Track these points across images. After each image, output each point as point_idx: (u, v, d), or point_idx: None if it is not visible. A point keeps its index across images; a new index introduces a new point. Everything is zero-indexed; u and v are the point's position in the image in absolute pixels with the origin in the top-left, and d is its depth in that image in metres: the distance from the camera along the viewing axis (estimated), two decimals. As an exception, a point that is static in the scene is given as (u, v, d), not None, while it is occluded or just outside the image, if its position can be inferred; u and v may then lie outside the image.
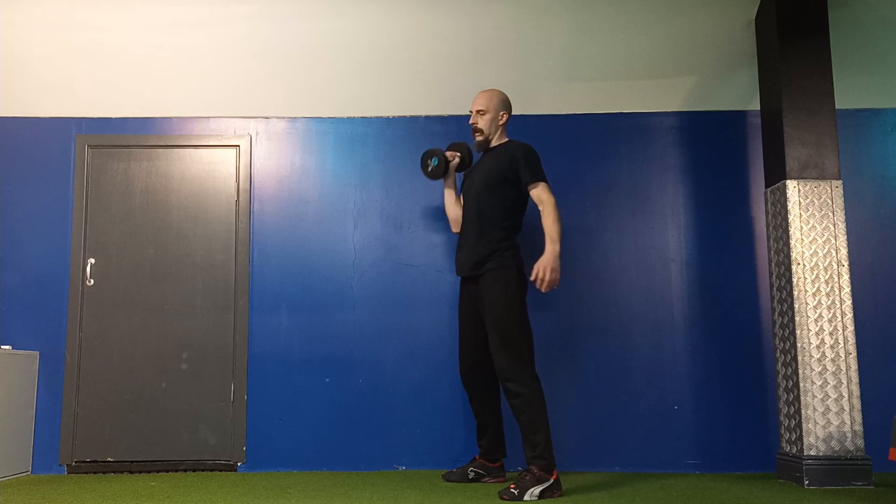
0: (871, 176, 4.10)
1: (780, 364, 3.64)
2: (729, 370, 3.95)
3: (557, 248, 3.23)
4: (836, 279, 3.49)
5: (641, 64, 4.02)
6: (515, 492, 3.02)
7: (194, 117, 4.18)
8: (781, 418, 3.61)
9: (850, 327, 3.46)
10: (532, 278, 3.23)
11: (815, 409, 3.41)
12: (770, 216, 3.75)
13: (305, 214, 4.11)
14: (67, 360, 3.95)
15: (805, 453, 3.38)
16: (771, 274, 3.73)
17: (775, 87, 3.68)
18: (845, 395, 3.41)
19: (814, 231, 3.54)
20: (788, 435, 3.54)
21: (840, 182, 3.57)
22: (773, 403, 3.89)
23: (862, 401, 3.45)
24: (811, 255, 3.52)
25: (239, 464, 3.90)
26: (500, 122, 3.56)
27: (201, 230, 4.08)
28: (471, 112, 3.59)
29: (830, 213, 3.55)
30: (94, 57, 3.95)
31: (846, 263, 3.50)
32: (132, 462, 3.89)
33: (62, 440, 3.90)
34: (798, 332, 3.47)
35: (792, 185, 3.57)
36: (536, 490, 3.04)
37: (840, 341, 3.45)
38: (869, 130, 4.14)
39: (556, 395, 3.82)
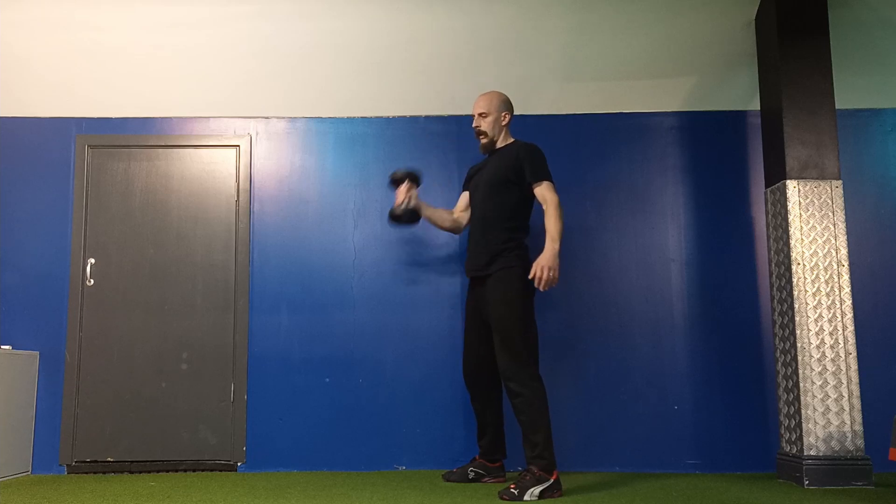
0: (871, 176, 4.10)
1: (780, 364, 3.64)
2: (729, 370, 3.95)
3: (557, 246, 3.23)
4: (836, 279, 3.49)
5: (641, 64, 4.02)
6: (515, 492, 3.02)
7: (194, 117, 4.18)
8: (781, 418, 3.61)
9: (850, 327, 3.46)
10: (530, 276, 3.24)
11: (815, 409, 3.41)
12: (770, 216, 3.75)
13: (305, 214, 4.11)
14: (67, 360, 3.95)
15: (805, 453, 3.38)
16: (771, 274, 3.73)
17: (775, 87, 3.68)
18: (845, 395, 3.41)
19: (814, 231, 3.54)
20: (788, 435, 3.54)
21: (840, 182, 3.57)
22: (773, 403, 3.89)
23: (862, 401, 3.45)
24: (811, 255, 3.52)
25: (239, 464, 3.90)
26: (503, 123, 3.56)
27: (201, 230, 4.08)
28: (473, 116, 3.59)
29: (830, 213, 3.55)
30: (94, 57, 3.95)
31: (846, 263, 3.50)
32: (132, 462, 3.89)
33: (62, 440, 3.90)
34: (798, 332, 3.47)
35: (792, 185, 3.57)
36: (536, 490, 3.04)
37: (840, 341, 3.45)
38: (869, 130, 4.14)
39: (556, 395, 3.81)
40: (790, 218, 3.55)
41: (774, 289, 3.68)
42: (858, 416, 3.40)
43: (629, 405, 3.94)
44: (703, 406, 3.93)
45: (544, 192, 3.34)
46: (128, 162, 4.13)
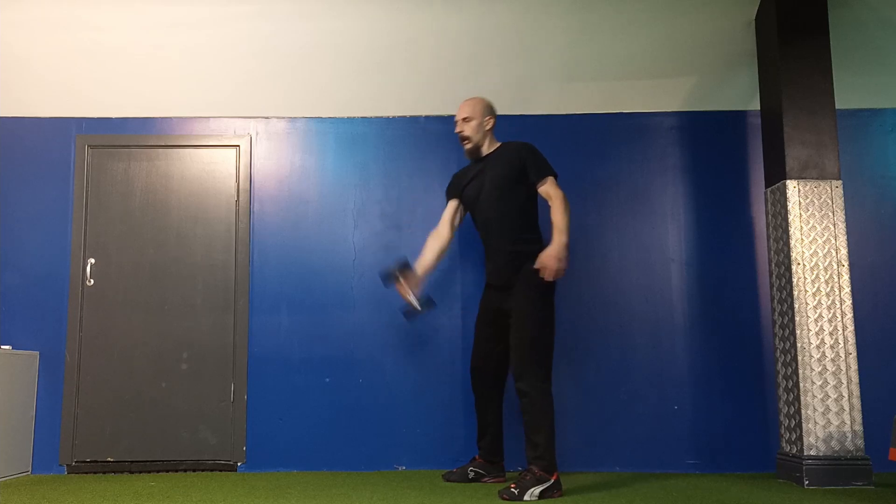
0: (871, 176, 4.10)
1: (780, 364, 3.64)
2: (729, 370, 3.95)
3: (564, 238, 3.24)
4: (836, 279, 3.49)
5: (641, 64, 4.02)
6: (516, 491, 3.02)
7: (194, 117, 4.18)
8: (781, 418, 3.61)
9: (850, 327, 3.46)
10: (536, 266, 3.24)
11: (815, 409, 3.41)
12: (770, 216, 3.75)
13: (305, 214, 4.11)
14: (67, 360, 3.95)
15: (805, 453, 3.38)
16: (771, 274, 3.73)
17: (775, 87, 3.68)
18: (845, 395, 3.41)
19: (814, 231, 3.54)
20: (788, 435, 3.54)
21: (840, 182, 3.57)
22: (773, 403, 3.89)
23: (862, 401, 3.45)
24: (811, 255, 3.52)
25: (239, 464, 3.90)
26: (487, 128, 3.55)
27: (201, 230, 4.08)
28: (456, 121, 3.57)
29: (830, 213, 3.55)
30: (94, 57, 3.95)
31: (846, 263, 3.50)
32: (132, 462, 3.89)
33: (62, 440, 3.90)
34: (798, 332, 3.47)
35: (792, 185, 3.57)
36: (537, 490, 3.04)
37: (840, 341, 3.45)
38: (869, 130, 4.14)
39: (556, 395, 3.78)
40: (790, 218, 3.55)
41: (774, 289, 3.68)
42: (858, 416, 3.40)
43: (629, 405, 3.94)
44: (703, 406, 3.93)
45: (549, 189, 3.36)
46: (128, 162, 4.13)
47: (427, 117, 4.18)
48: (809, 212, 3.55)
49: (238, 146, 4.15)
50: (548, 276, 3.21)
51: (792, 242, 3.53)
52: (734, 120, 4.15)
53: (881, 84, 4.07)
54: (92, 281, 4.03)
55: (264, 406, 3.94)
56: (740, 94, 4.11)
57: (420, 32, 3.90)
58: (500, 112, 4.15)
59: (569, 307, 4.00)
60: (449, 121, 4.16)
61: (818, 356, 3.44)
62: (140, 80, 4.03)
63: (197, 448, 3.91)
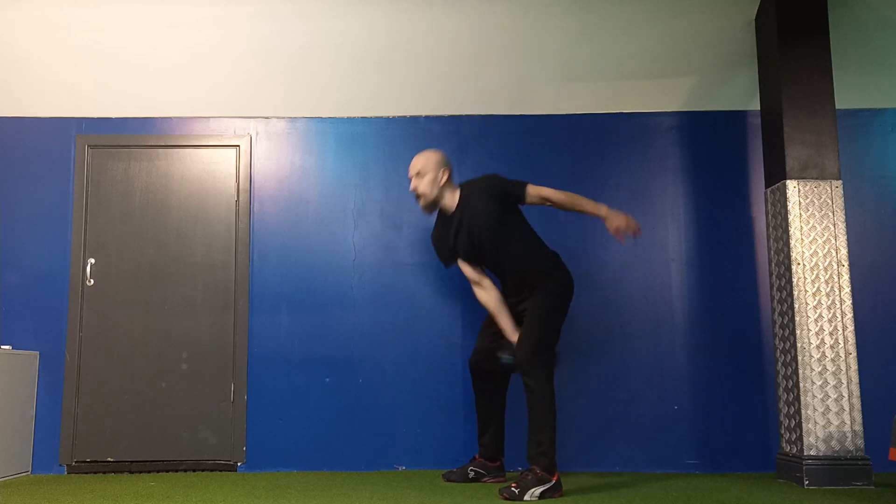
0: (871, 176, 4.10)
1: (780, 364, 3.64)
2: (729, 370, 3.95)
3: (598, 205, 3.33)
4: (836, 279, 3.49)
5: (641, 64, 4.02)
6: (516, 491, 3.02)
7: (194, 117, 4.18)
8: (781, 418, 3.61)
9: (850, 327, 3.46)
10: (614, 230, 3.29)
11: (815, 409, 3.41)
12: (770, 216, 3.75)
13: (305, 214, 4.11)
14: (67, 360, 3.95)
15: (805, 453, 3.38)
16: (771, 274, 3.73)
17: (775, 87, 3.68)
18: (845, 395, 3.41)
19: (814, 231, 3.54)
20: (788, 435, 3.54)
21: (840, 182, 3.57)
22: (773, 403, 3.89)
23: (862, 401, 3.45)
24: (811, 255, 3.52)
25: (239, 464, 3.90)
26: (443, 181, 3.42)
27: (201, 230, 4.08)
28: (409, 177, 3.48)
29: (830, 213, 3.55)
30: (94, 57, 3.95)
31: (846, 263, 3.50)
32: (132, 462, 3.89)
33: (62, 440, 3.90)
34: (798, 332, 3.46)
35: (792, 185, 3.57)
36: (537, 490, 3.04)
37: (840, 341, 3.45)
38: (869, 130, 4.14)
39: (556, 395, 3.80)
40: (790, 218, 3.55)
41: (774, 289, 3.68)
42: (858, 416, 3.40)
43: (629, 405, 3.94)
44: (703, 406, 3.93)
45: (537, 191, 3.35)
46: (128, 162, 4.13)
47: (427, 117, 4.18)
48: (809, 212, 3.55)
49: (238, 146, 4.15)
50: (631, 231, 3.27)
51: (792, 242, 3.53)
52: (734, 120, 4.15)
53: (881, 84, 4.07)
54: (92, 281, 4.03)
55: (264, 406, 3.94)
56: (740, 94, 4.11)
57: (420, 32, 3.90)
58: (500, 112, 4.17)
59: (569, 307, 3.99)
60: (449, 121, 4.17)
61: (818, 356, 3.44)
62: (140, 80, 4.03)
63: (197, 448, 3.91)
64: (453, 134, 4.15)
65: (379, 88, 4.10)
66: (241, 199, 4.10)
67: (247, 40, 3.92)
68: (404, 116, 4.18)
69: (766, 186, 3.79)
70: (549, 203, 3.38)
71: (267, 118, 4.19)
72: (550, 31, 3.91)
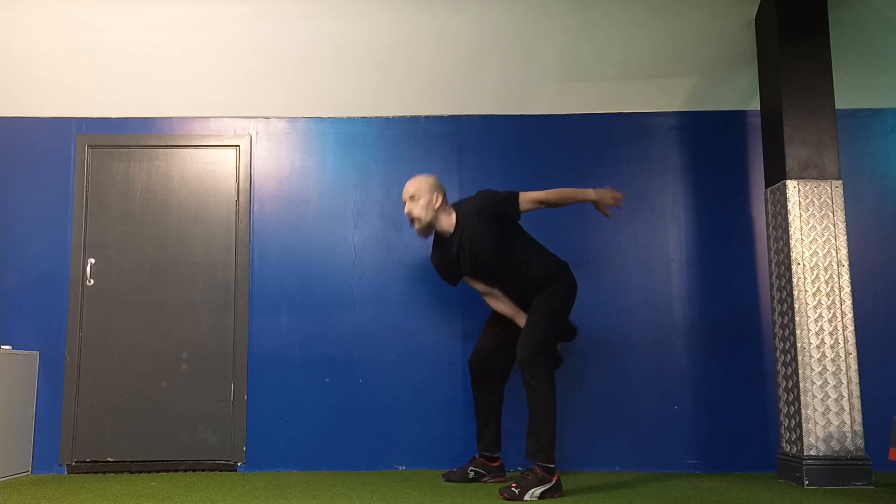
0: (871, 176, 4.10)
1: (780, 364, 3.64)
2: (729, 370, 3.95)
3: (581, 190, 3.42)
4: (836, 279, 3.49)
5: (641, 64, 4.02)
6: (517, 491, 3.02)
7: (194, 117, 4.18)
8: (781, 418, 3.61)
9: (850, 327, 3.46)
10: (599, 204, 3.37)
11: (815, 409, 3.41)
12: (770, 216, 3.75)
13: (305, 214, 4.11)
14: (67, 360, 3.95)
15: (805, 453, 3.38)
16: (771, 274, 3.73)
17: (775, 87, 3.68)
18: (845, 395, 3.41)
19: (814, 231, 3.54)
20: (788, 435, 3.54)
21: (840, 182, 3.57)
22: (773, 403, 3.89)
23: (862, 401, 3.45)
24: (811, 255, 3.52)
25: (239, 464, 3.90)
26: (437, 205, 3.39)
27: (201, 230, 4.08)
28: (403, 201, 3.45)
29: (830, 213, 3.55)
30: (94, 57, 3.95)
31: (846, 263, 3.50)
32: (132, 462, 3.89)
33: (62, 440, 3.90)
34: (798, 332, 3.47)
35: (792, 185, 3.57)
36: (538, 491, 3.04)
37: (840, 341, 3.45)
38: (869, 130, 4.14)
39: (556, 395, 3.81)
40: (790, 218, 3.55)
41: (774, 289, 3.68)
42: (858, 416, 3.40)
43: (629, 405, 3.94)
44: (703, 406, 3.93)
45: (531, 196, 3.34)
46: (128, 162, 4.13)
47: (427, 117, 4.18)
48: (809, 212, 3.55)
49: (238, 146, 4.15)
50: (615, 203, 3.36)
51: (792, 242, 3.53)
52: (734, 120, 4.15)
53: (881, 84, 4.07)
54: (92, 281, 4.03)
55: (264, 406, 3.94)
56: (740, 94, 4.11)
57: (420, 32, 3.90)
58: (500, 112, 4.17)
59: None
60: (449, 121, 4.17)
61: (818, 356, 3.44)
62: (140, 80, 4.03)
63: (197, 448, 3.91)
64: (453, 134, 4.15)
65: (379, 88, 4.10)
66: (241, 199, 4.10)
67: (247, 40, 3.92)
68: (404, 116, 4.18)
69: (766, 186, 3.79)
70: (542, 205, 3.37)
71: (267, 118, 4.19)
72: (550, 31, 3.91)
